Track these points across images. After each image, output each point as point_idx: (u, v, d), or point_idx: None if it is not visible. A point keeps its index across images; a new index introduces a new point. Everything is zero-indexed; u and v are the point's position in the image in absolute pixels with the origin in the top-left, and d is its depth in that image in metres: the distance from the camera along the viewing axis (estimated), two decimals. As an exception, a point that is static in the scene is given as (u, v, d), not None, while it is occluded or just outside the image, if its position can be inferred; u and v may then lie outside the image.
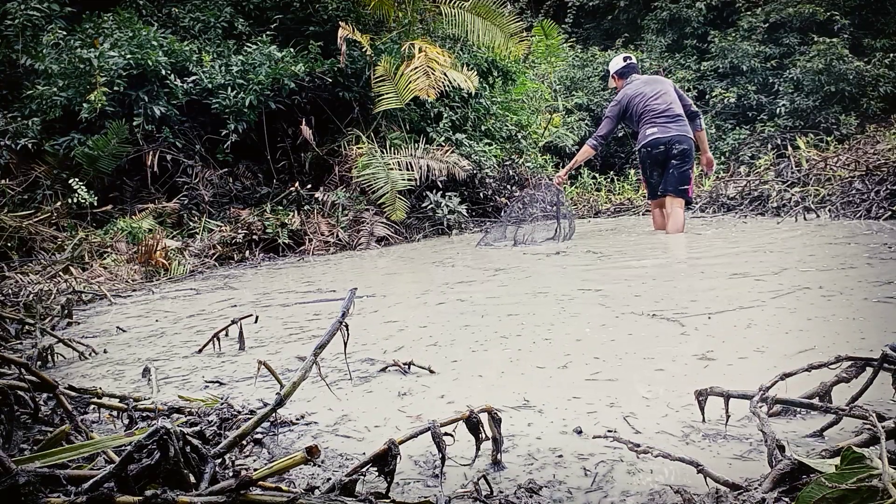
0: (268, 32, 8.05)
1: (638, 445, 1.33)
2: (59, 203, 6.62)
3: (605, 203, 9.37)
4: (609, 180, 10.83)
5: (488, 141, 8.91)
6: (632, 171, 10.86)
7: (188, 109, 7.29)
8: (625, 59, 6.57)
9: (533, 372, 2.14)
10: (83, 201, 6.57)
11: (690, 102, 6.37)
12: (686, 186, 6.02)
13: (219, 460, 1.31)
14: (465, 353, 2.41)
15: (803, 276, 3.32)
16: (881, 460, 0.99)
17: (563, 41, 13.93)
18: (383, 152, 7.65)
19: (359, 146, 7.79)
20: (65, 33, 7.13)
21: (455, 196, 7.97)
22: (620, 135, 11.44)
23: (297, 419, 1.83)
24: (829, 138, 10.85)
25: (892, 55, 12.12)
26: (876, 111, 11.88)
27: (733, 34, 13.26)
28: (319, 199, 7.42)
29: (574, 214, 7.57)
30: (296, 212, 7.31)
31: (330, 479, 1.35)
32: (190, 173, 7.35)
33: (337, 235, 7.06)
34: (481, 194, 8.53)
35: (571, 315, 2.90)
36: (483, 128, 9.08)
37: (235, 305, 3.98)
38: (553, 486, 1.33)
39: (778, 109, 12.08)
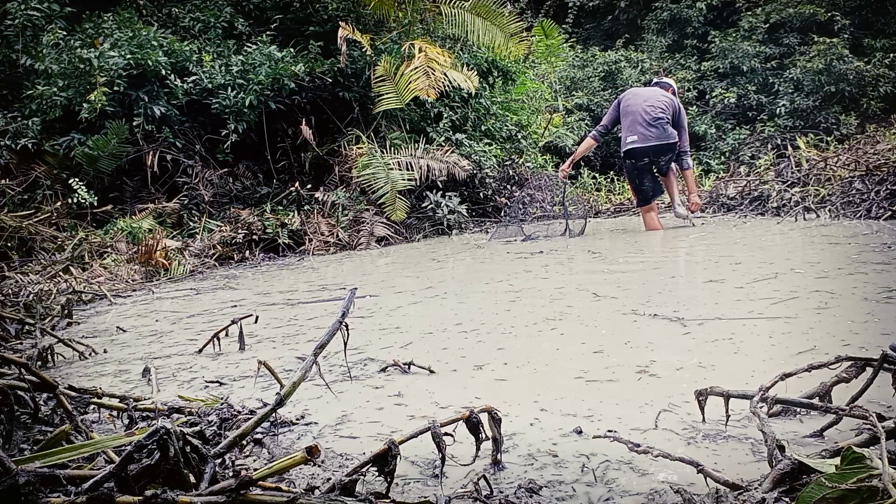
0: (268, 32, 8.05)
1: (638, 445, 1.33)
2: (59, 203, 6.61)
3: (605, 203, 9.37)
4: (609, 180, 10.82)
5: (488, 141, 8.90)
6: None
7: (188, 109, 7.29)
8: (656, 73, 6.97)
9: (533, 372, 2.14)
10: (83, 201, 6.57)
11: (685, 137, 6.28)
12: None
13: (219, 460, 1.31)
14: (464, 353, 2.41)
15: (803, 277, 3.32)
16: (881, 460, 0.99)
17: (564, 41, 13.91)
18: (383, 152, 7.65)
19: (359, 146, 7.79)
20: (65, 33, 7.12)
21: (455, 196, 7.97)
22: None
23: (297, 419, 1.83)
24: (829, 138, 10.84)
25: (892, 55, 12.11)
26: (876, 111, 11.86)
27: (733, 34, 13.25)
28: (319, 199, 7.41)
29: (586, 207, 7.63)
30: (296, 212, 7.31)
31: (330, 479, 1.35)
32: (190, 173, 7.34)
33: (337, 235, 7.06)
34: (481, 194, 8.52)
35: (572, 316, 2.90)
36: (483, 128, 9.07)
37: (235, 305, 3.98)
38: (553, 486, 1.33)
39: (778, 109, 12.08)
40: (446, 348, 2.51)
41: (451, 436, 1.39)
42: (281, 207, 7.42)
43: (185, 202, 7.22)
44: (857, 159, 6.78)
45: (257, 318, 3.01)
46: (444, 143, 8.11)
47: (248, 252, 6.72)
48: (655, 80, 6.73)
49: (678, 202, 6.49)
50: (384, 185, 7.33)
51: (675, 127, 6.13)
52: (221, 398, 1.94)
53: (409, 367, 2.23)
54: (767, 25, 13.07)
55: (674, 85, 6.61)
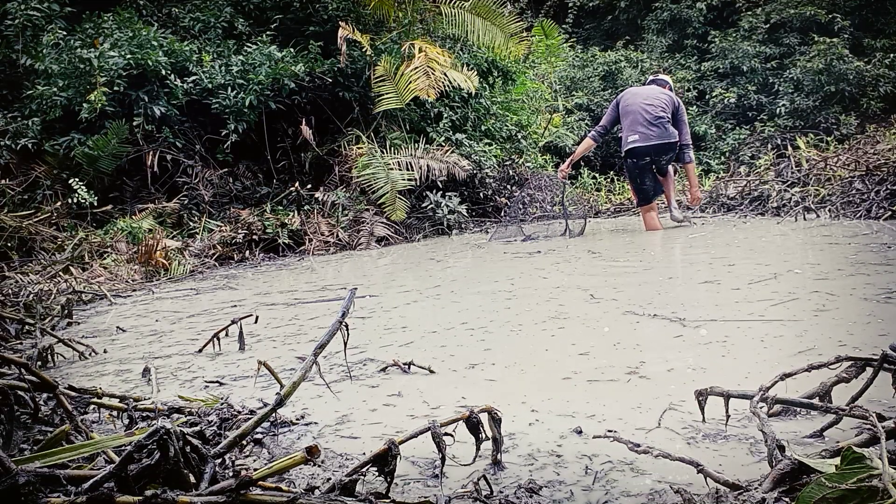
0: (268, 32, 8.05)
1: (638, 445, 1.33)
2: (59, 203, 6.61)
3: (605, 203, 9.37)
4: (609, 180, 10.82)
5: (488, 141, 8.90)
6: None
7: (188, 109, 7.29)
8: (654, 74, 7.07)
9: (533, 372, 2.14)
10: (83, 201, 6.57)
11: (686, 132, 6.29)
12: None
13: (219, 460, 1.31)
14: (464, 353, 2.41)
15: (804, 276, 3.32)
16: (881, 460, 0.99)
17: (564, 41, 13.91)
18: (383, 152, 7.65)
19: (359, 146, 7.79)
20: (65, 33, 7.12)
21: (455, 196, 7.96)
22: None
23: (297, 419, 1.83)
24: (829, 138, 10.84)
25: (892, 55, 12.10)
26: (876, 111, 11.86)
27: (734, 34, 13.25)
28: (319, 199, 7.41)
29: (586, 207, 7.66)
30: (296, 212, 7.31)
31: (330, 479, 1.35)
32: (190, 173, 7.34)
33: (337, 235, 7.06)
34: (481, 194, 8.52)
35: (570, 317, 2.90)
36: (483, 128, 9.07)
37: (235, 305, 3.98)
38: (553, 486, 1.33)
39: (778, 109, 12.08)
40: (446, 348, 2.51)
41: (452, 436, 1.39)
42: (281, 207, 7.42)
43: (185, 202, 7.22)
44: (857, 159, 6.77)
45: (257, 318, 3.01)
46: (444, 143, 8.10)
47: (248, 252, 6.72)
48: (652, 77, 6.73)
49: (675, 205, 6.51)
50: (384, 185, 7.33)
51: (675, 122, 6.14)
52: (221, 398, 1.94)
53: (409, 367, 2.23)
54: (767, 25, 13.07)
55: (670, 81, 6.62)
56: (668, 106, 6.11)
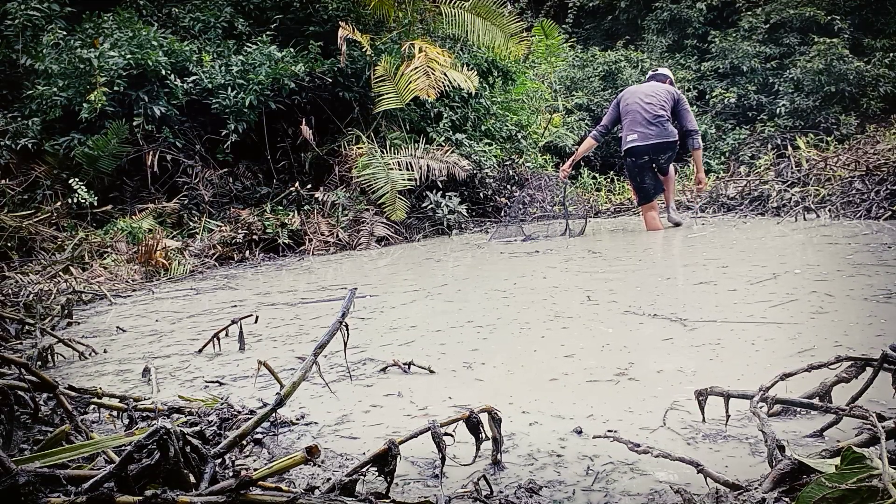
0: (268, 32, 8.04)
1: (638, 445, 1.33)
2: (59, 203, 6.61)
3: (605, 203, 9.36)
4: (609, 180, 10.82)
5: (488, 141, 8.90)
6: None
7: (188, 109, 7.28)
8: (654, 69, 7.09)
9: (533, 372, 2.14)
10: (83, 201, 6.57)
11: (691, 119, 6.28)
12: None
13: (219, 460, 1.31)
14: (464, 353, 2.41)
15: (803, 277, 3.32)
16: (881, 460, 0.99)
17: (564, 41, 13.91)
18: (383, 152, 7.65)
19: (359, 146, 7.79)
20: (65, 33, 7.12)
21: (455, 196, 7.96)
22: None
23: (297, 419, 1.83)
24: (829, 138, 10.84)
25: (892, 55, 12.11)
26: (876, 111, 11.86)
27: (734, 34, 13.26)
28: (319, 199, 7.41)
29: (587, 207, 7.68)
30: (296, 212, 7.31)
31: (330, 479, 1.35)
32: (190, 173, 7.34)
33: (337, 235, 7.06)
34: (481, 194, 8.52)
35: (571, 317, 2.90)
36: (483, 128, 9.07)
37: (236, 305, 3.98)
38: (553, 486, 1.33)
39: (778, 109, 12.08)
40: (446, 348, 2.51)
41: (451, 436, 1.39)
42: (281, 207, 7.42)
43: (185, 202, 7.22)
44: (857, 159, 6.77)
45: (257, 317, 3.01)
46: (444, 143, 8.10)
47: (248, 252, 6.72)
48: (651, 73, 6.72)
49: (673, 206, 6.52)
50: (384, 185, 7.33)
51: (677, 113, 6.14)
52: (221, 398, 1.94)
53: (409, 367, 2.23)
54: (767, 26, 13.07)
55: (670, 74, 6.60)
56: (668, 102, 6.11)
